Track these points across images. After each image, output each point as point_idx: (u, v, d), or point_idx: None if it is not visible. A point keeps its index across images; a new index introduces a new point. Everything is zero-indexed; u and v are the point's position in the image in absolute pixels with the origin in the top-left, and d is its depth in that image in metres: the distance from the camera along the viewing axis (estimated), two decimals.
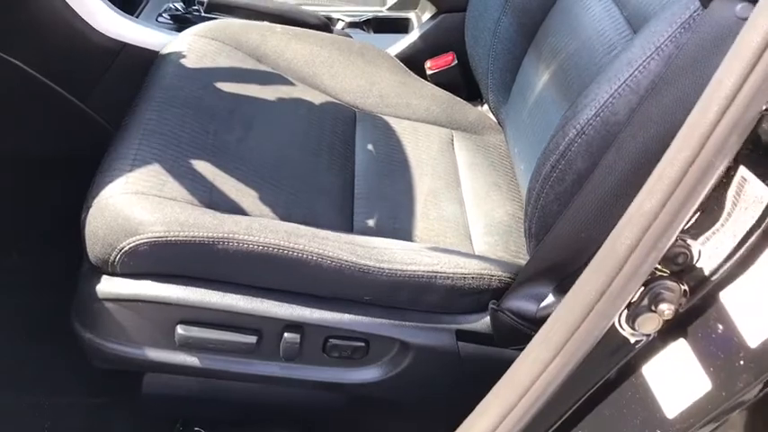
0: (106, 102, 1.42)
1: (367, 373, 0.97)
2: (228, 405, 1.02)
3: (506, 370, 0.79)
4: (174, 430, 1.07)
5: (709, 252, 0.68)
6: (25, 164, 1.46)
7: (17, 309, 1.28)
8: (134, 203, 0.90)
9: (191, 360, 0.94)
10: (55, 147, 1.48)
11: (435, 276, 0.94)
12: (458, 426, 0.82)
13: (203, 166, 1.01)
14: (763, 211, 0.65)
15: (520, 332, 0.91)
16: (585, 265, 0.73)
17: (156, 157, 0.99)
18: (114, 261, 0.90)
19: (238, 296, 0.91)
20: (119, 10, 1.39)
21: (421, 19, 1.60)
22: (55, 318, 1.04)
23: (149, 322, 0.91)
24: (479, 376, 0.82)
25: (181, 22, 1.47)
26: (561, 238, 0.84)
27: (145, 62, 1.28)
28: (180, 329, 0.91)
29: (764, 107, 0.62)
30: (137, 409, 1.09)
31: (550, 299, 0.91)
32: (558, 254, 0.86)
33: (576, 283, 0.74)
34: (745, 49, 0.58)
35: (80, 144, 1.43)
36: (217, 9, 1.44)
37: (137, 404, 1.02)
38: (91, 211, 0.91)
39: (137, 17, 1.47)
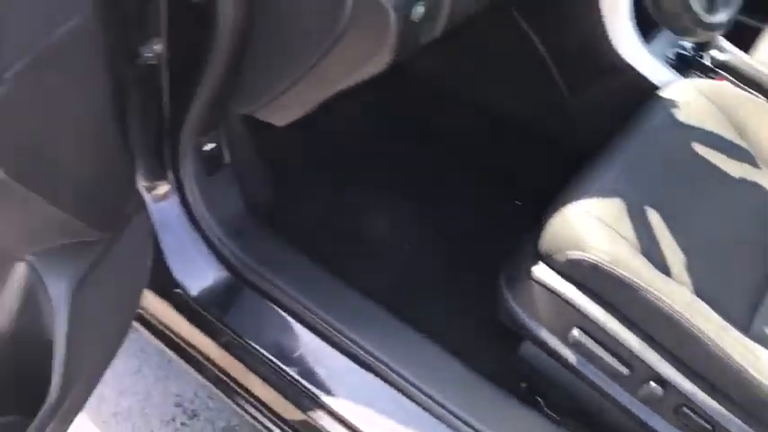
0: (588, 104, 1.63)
1: None
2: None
3: None
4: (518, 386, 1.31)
5: None
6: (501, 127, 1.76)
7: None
8: (593, 226, 1.11)
9: (570, 357, 1.15)
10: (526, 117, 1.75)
11: None
12: None
13: (654, 218, 1.17)
14: None
15: None
16: None
17: (619, 191, 1.18)
18: (555, 258, 1.13)
19: (632, 335, 1.09)
20: (638, 32, 1.54)
21: None
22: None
23: (557, 314, 1.14)
24: None
25: (681, 62, 1.59)
26: None
27: (635, 89, 1.46)
28: (575, 332, 1.13)
29: None
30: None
31: None
32: None
33: None
34: None
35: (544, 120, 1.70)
36: (722, 68, 1.54)
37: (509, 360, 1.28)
38: (556, 215, 1.15)
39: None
